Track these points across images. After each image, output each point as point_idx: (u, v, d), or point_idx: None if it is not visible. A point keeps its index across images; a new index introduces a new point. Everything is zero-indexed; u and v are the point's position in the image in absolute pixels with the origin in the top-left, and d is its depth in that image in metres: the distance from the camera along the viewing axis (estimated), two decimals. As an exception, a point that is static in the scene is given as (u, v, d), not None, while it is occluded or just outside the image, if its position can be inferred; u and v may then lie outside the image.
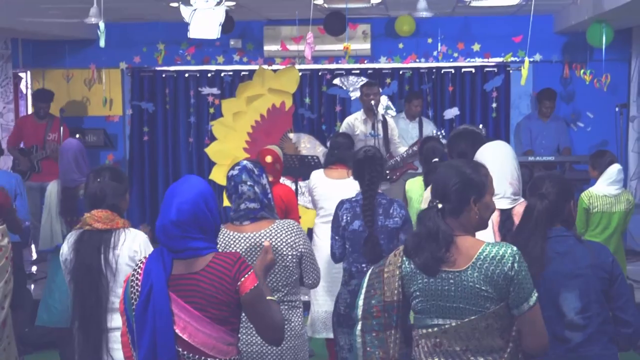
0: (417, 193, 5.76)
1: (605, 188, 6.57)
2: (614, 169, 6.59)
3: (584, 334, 3.58)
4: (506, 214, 3.95)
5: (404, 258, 3.09)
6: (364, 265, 4.98)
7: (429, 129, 9.43)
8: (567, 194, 3.62)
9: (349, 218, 5.02)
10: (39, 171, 9.58)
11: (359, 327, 3.18)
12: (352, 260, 5.05)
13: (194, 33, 5.82)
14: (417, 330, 3.08)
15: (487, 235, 3.30)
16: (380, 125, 8.22)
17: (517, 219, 3.75)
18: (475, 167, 3.12)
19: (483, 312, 2.93)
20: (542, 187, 3.54)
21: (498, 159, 3.78)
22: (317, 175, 6.29)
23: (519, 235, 3.47)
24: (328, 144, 10.11)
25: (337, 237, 5.07)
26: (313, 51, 7.44)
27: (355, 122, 8.39)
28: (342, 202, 5.12)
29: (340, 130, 8.35)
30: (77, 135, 9.68)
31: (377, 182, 5.05)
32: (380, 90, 9.46)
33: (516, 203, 4.00)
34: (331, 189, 6.00)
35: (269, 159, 6.13)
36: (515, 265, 2.91)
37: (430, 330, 3.02)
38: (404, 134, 9.12)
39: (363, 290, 3.19)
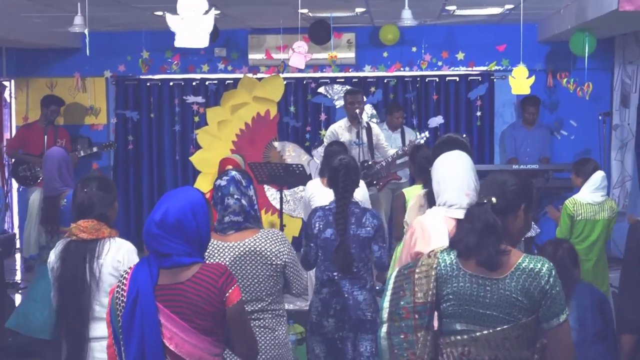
0: None
1: (589, 195, 6.56)
2: (598, 175, 6.58)
3: (579, 336, 3.66)
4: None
5: (440, 259, 3.05)
6: (335, 273, 4.95)
7: (412, 137, 9.45)
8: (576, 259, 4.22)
9: (321, 226, 5.00)
10: None
11: (384, 329, 3.10)
12: (323, 268, 5.01)
13: (180, 42, 5.74)
14: (443, 338, 3.05)
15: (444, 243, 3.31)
16: (364, 133, 8.23)
17: None
18: (519, 176, 3.16)
19: (515, 322, 2.92)
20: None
21: (455, 169, 3.79)
22: (314, 184, 6.26)
23: None
24: (313, 152, 10.16)
25: (312, 245, 5.02)
26: (308, 60, 7.40)
27: (339, 130, 8.39)
28: (315, 210, 5.11)
29: (325, 139, 8.33)
30: (96, 148, 9.63)
31: (351, 190, 5.04)
32: (365, 98, 9.51)
33: None
34: (329, 198, 5.88)
35: (229, 168, 6.07)
36: (551, 280, 2.92)
37: (458, 337, 3.00)
38: (387, 143, 9.11)
39: (389, 292, 3.12)
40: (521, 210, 3.06)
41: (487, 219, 2.98)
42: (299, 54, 7.25)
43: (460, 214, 3.90)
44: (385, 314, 3.10)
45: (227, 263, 3.89)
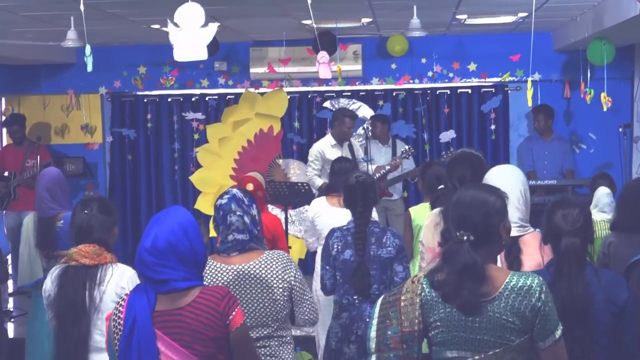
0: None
1: (597, 214, 6.26)
2: (600, 192, 6.37)
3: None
4: (512, 240, 3.83)
5: (424, 285, 3.00)
6: (355, 297, 4.92)
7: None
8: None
9: (339, 247, 4.96)
10: (15, 198, 9.42)
11: None
12: (343, 292, 4.95)
13: (178, 56, 5.64)
14: None
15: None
16: (348, 148, 8.48)
17: (525, 248, 3.77)
18: (494, 191, 3.09)
19: (507, 345, 2.88)
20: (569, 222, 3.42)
21: (505, 183, 3.70)
22: (319, 203, 6.21)
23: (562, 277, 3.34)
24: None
25: (327, 267, 5.00)
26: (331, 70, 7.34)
27: (326, 149, 8.48)
28: (332, 231, 5.07)
29: (310, 159, 8.51)
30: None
31: (369, 209, 5.02)
32: (372, 112, 9.88)
33: (525, 231, 3.90)
34: (336, 218, 5.73)
35: (250, 186, 6.03)
36: (543, 296, 2.88)
37: None
38: (377, 157, 9.17)
39: (375, 321, 3.07)
40: (500, 229, 3.00)
41: (467, 262, 2.90)
42: (324, 65, 7.17)
43: (512, 231, 3.76)
44: (372, 345, 3.06)
45: (230, 286, 3.81)
